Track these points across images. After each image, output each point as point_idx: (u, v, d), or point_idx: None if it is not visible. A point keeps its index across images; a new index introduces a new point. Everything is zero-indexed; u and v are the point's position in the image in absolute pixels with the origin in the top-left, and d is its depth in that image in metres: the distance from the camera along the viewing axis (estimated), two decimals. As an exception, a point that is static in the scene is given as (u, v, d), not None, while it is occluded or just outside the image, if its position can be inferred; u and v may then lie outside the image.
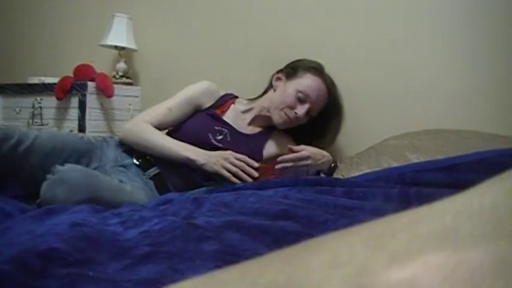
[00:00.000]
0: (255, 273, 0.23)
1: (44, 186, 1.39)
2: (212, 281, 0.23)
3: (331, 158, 1.89)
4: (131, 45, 2.73)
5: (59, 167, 1.44)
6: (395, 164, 1.66)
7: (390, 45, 2.24)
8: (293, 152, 1.82)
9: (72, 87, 2.47)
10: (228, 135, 1.93)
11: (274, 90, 2.04)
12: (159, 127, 1.93)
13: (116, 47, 2.74)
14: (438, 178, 1.36)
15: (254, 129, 2.05)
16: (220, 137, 1.91)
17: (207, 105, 2.02)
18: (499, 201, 0.21)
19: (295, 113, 1.94)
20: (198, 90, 2.03)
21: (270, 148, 2.03)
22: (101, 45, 2.74)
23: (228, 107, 2.05)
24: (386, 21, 2.24)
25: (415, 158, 1.66)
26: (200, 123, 1.95)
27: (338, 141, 2.14)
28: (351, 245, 0.22)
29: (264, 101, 2.05)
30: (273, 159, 1.89)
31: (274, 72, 2.09)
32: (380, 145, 1.87)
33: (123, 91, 2.63)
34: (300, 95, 1.94)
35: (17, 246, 0.76)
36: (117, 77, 2.72)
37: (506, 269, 0.18)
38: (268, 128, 2.06)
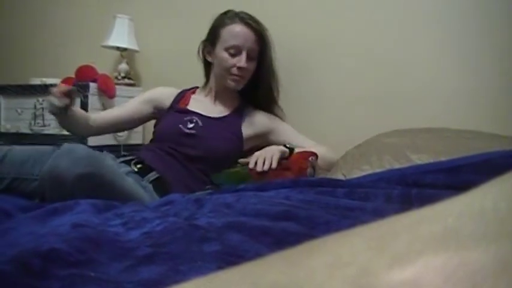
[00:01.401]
0: (256, 274, 0.23)
1: (50, 159, 1.43)
2: (213, 282, 0.23)
3: (279, 147, 1.88)
4: (133, 46, 2.73)
5: (65, 144, 1.47)
6: (397, 165, 1.66)
7: (391, 45, 2.23)
8: (243, 164, 1.86)
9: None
10: (198, 122, 1.95)
11: (212, 64, 2.06)
12: (113, 121, 2.04)
13: (117, 48, 2.74)
14: (439, 179, 1.36)
15: (224, 111, 2.06)
16: (191, 125, 1.93)
17: (167, 103, 2.07)
18: (501, 202, 0.21)
19: (239, 67, 1.96)
20: (154, 91, 2.13)
21: (247, 128, 2.04)
22: (103, 46, 2.74)
23: (189, 99, 2.09)
24: (387, 21, 2.24)
25: (417, 159, 1.66)
26: (169, 120, 1.98)
27: (338, 141, 2.13)
28: (353, 246, 0.22)
29: (213, 78, 2.07)
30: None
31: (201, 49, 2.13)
32: (382, 143, 1.86)
33: (124, 92, 2.63)
34: (230, 51, 1.96)
35: (19, 247, 0.76)
36: (119, 78, 2.72)
37: (507, 269, 0.18)
38: (237, 109, 2.07)
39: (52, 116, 2.37)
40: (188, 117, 1.96)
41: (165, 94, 2.11)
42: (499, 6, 2.05)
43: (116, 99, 2.53)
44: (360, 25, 2.29)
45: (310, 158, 1.84)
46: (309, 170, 1.82)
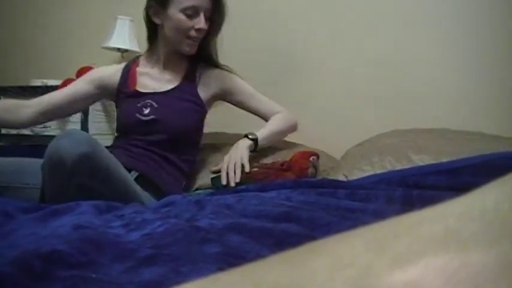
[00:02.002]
0: (257, 275, 0.23)
1: (51, 142, 1.43)
2: (214, 283, 0.23)
3: (244, 143, 1.84)
4: (134, 48, 2.74)
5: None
6: (398, 166, 1.66)
7: (393, 46, 2.24)
8: (215, 171, 1.84)
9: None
10: (153, 104, 1.84)
11: (158, 26, 1.90)
12: (56, 103, 1.93)
13: (118, 50, 2.74)
14: (441, 181, 1.36)
15: (175, 80, 1.93)
16: (147, 110, 1.84)
17: (113, 83, 1.97)
18: (502, 203, 0.21)
19: (197, 29, 1.83)
20: (97, 71, 2.01)
21: (204, 91, 1.95)
22: (104, 48, 2.74)
23: (136, 76, 1.96)
24: (389, 21, 2.24)
25: (418, 160, 1.66)
26: (125, 111, 1.90)
27: (339, 141, 2.13)
28: (354, 247, 0.22)
29: (162, 43, 1.92)
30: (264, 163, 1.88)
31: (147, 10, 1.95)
32: (383, 144, 1.86)
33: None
34: (187, 12, 1.81)
35: (19, 248, 0.76)
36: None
37: (508, 270, 0.18)
38: (188, 74, 1.94)
39: None
40: (142, 103, 1.85)
41: (108, 72, 1.99)
42: (500, 7, 2.05)
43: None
44: (361, 25, 2.29)
45: (311, 158, 1.84)
46: (310, 170, 1.81)
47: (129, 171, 1.73)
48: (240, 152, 1.80)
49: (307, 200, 1.24)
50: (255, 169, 1.82)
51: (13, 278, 0.65)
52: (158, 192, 1.78)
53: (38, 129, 2.61)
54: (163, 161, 1.82)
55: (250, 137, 1.87)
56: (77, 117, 2.48)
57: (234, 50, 2.57)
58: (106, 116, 2.54)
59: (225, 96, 2.00)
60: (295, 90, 2.39)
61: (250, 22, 2.52)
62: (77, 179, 1.41)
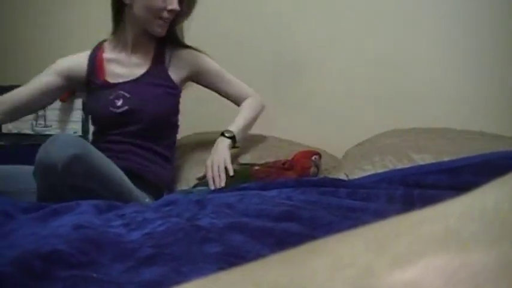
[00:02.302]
0: (257, 274, 0.23)
1: (40, 149, 1.41)
2: (215, 283, 0.23)
3: (224, 143, 1.82)
4: (134, 47, 2.73)
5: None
6: (399, 165, 1.66)
7: (393, 46, 2.23)
8: (201, 178, 1.83)
9: (76, 89, 2.47)
10: (125, 94, 1.78)
11: (127, 5, 1.80)
12: (23, 100, 1.84)
13: (119, 49, 2.74)
14: (441, 180, 1.36)
15: (144, 64, 1.85)
16: (120, 102, 1.77)
17: (81, 73, 1.88)
18: (502, 203, 0.21)
19: (170, 10, 1.75)
20: (62, 62, 1.91)
21: (176, 73, 1.88)
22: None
23: (103, 64, 1.87)
24: (389, 21, 2.24)
25: (419, 159, 1.66)
26: (97, 105, 1.83)
27: (339, 141, 2.13)
28: (354, 247, 0.22)
29: (131, 24, 1.83)
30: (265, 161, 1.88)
31: None
32: (384, 143, 1.86)
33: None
34: None
35: (19, 248, 0.76)
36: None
37: (509, 270, 0.18)
38: (157, 55, 1.86)
39: (54, 117, 2.37)
40: (114, 94, 1.78)
41: (74, 61, 1.90)
42: (500, 7, 2.05)
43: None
44: (361, 25, 2.29)
45: (313, 158, 1.84)
46: (312, 169, 1.81)
47: None
48: (221, 155, 1.78)
49: (308, 199, 1.24)
50: (257, 167, 1.82)
51: (13, 278, 0.65)
52: (149, 185, 1.76)
53: (39, 129, 2.61)
54: (146, 152, 1.79)
55: (227, 135, 1.85)
56: (77, 117, 2.48)
57: (235, 50, 2.57)
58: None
59: (196, 77, 1.94)
60: (295, 90, 2.39)
61: (250, 22, 2.52)
62: (70, 181, 1.39)
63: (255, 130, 2.32)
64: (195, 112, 2.58)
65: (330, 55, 2.35)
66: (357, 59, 2.30)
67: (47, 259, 0.72)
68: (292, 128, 2.35)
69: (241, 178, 1.76)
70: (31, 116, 2.64)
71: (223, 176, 1.73)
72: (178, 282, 0.25)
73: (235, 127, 1.89)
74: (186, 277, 0.70)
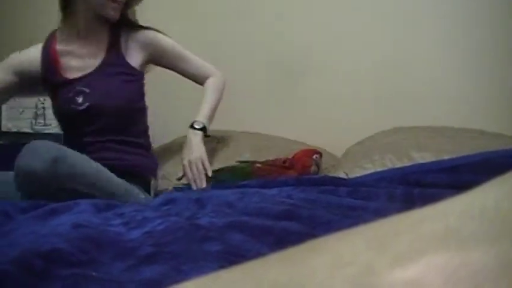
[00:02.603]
0: (258, 273, 0.23)
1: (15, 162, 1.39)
2: (215, 282, 0.23)
3: (196, 137, 1.77)
4: (134, 46, 2.73)
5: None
6: (399, 163, 1.66)
7: (393, 46, 2.23)
8: (180, 178, 1.80)
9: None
10: (85, 89, 1.70)
11: None
12: None
13: (119, 48, 2.74)
14: (442, 179, 1.36)
15: (99, 53, 1.75)
16: (81, 99, 1.69)
17: (34, 69, 1.79)
18: (502, 202, 0.21)
19: None
20: (13, 58, 1.83)
21: (134, 58, 1.79)
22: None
23: (58, 59, 1.77)
24: (389, 21, 2.24)
25: (419, 158, 1.66)
26: (59, 106, 1.78)
27: (339, 141, 2.13)
28: (354, 245, 0.22)
29: (82, 9, 1.73)
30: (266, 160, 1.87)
31: None
32: (384, 142, 1.86)
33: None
34: None
35: (19, 247, 0.76)
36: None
37: (509, 270, 0.18)
38: (112, 42, 1.77)
39: (53, 116, 2.34)
40: (73, 91, 1.69)
41: (27, 56, 1.81)
42: (500, 7, 2.05)
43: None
44: (361, 26, 2.29)
45: (314, 156, 1.84)
46: (313, 168, 1.82)
47: None
48: (197, 152, 1.73)
49: (308, 197, 1.24)
50: (258, 165, 1.82)
51: (13, 276, 0.65)
52: (135, 178, 1.72)
53: (39, 127, 2.61)
54: (120, 145, 1.73)
55: (197, 126, 1.80)
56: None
57: (236, 50, 2.57)
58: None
59: (154, 58, 1.85)
60: (296, 90, 2.39)
61: (256, 24, 2.52)
62: (55, 184, 1.37)
63: (254, 129, 2.33)
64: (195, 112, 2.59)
65: (330, 55, 2.35)
66: (357, 59, 2.29)
67: (47, 258, 0.72)
68: (292, 126, 2.35)
69: (243, 175, 1.77)
70: (30, 115, 2.65)
71: (203, 176, 1.69)
72: (178, 281, 0.25)
73: (203, 116, 1.83)
74: (187, 275, 0.70)
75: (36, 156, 1.37)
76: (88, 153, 1.63)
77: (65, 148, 1.46)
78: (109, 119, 1.70)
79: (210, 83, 1.92)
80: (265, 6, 2.49)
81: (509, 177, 0.23)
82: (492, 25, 2.06)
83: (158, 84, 2.75)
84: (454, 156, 1.53)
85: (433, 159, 1.60)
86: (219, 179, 1.79)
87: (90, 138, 1.71)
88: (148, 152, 1.85)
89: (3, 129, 2.75)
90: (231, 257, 0.79)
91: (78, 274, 0.69)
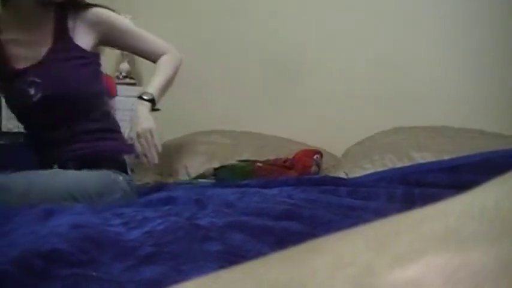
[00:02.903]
0: (258, 273, 0.23)
1: None
2: (215, 282, 0.23)
3: (143, 107, 1.64)
4: (134, 46, 2.73)
5: None
6: (400, 163, 1.66)
7: (393, 46, 2.23)
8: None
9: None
10: (35, 79, 1.58)
11: None
12: None
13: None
14: (442, 179, 1.36)
15: (46, 38, 1.62)
16: (33, 90, 1.57)
17: None
18: (502, 202, 0.21)
19: None
20: None
21: (83, 39, 1.67)
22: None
23: (4, 49, 1.64)
24: (389, 21, 2.24)
25: (420, 157, 1.66)
26: (11, 96, 1.68)
27: (339, 141, 2.13)
28: (355, 245, 0.22)
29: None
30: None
31: None
32: (384, 142, 1.86)
33: (126, 91, 2.63)
34: None
35: (20, 247, 0.76)
36: (120, 77, 2.72)
37: (509, 269, 0.18)
38: (57, 25, 1.63)
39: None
40: (24, 83, 1.58)
41: None
42: (500, 7, 2.05)
43: (116, 98, 2.52)
44: (361, 25, 2.29)
45: (315, 157, 1.84)
46: (313, 168, 1.82)
47: (65, 166, 1.56)
48: (146, 124, 1.59)
49: (309, 197, 1.24)
50: (259, 164, 1.82)
51: (14, 276, 0.65)
52: (110, 163, 1.63)
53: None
54: (86, 133, 1.63)
55: (146, 97, 1.67)
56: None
57: (235, 49, 2.57)
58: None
59: (106, 38, 1.73)
60: (296, 89, 2.39)
61: (250, 22, 2.52)
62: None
63: (254, 129, 2.33)
64: (195, 112, 2.59)
65: (331, 55, 2.35)
66: (357, 58, 2.29)
67: (47, 258, 0.72)
68: (292, 126, 2.35)
69: (244, 174, 1.77)
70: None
71: (153, 150, 1.57)
72: (178, 281, 0.25)
73: (153, 88, 1.71)
74: (187, 276, 0.70)
75: None
76: (52, 147, 1.58)
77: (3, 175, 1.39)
78: (67, 108, 1.60)
79: (163, 58, 1.80)
80: (259, 4, 2.50)
81: (509, 177, 0.23)
82: (492, 25, 2.06)
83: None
84: (454, 156, 1.53)
85: (433, 159, 1.60)
86: (219, 177, 1.79)
87: (50, 131, 1.61)
88: (114, 134, 1.73)
89: (4, 129, 2.74)
90: (231, 257, 0.79)
91: (78, 274, 0.69)
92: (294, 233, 0.92)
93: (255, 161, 1.85)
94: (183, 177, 2.00)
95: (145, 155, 1.57)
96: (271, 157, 1.91)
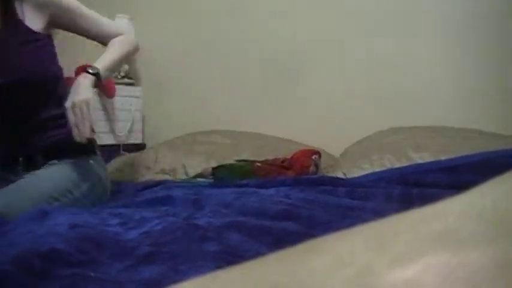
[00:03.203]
0: (256, 273, 0.23)
1: None
2: (213, 282, 0.23)
3: (86, 79, 1.51)
4: (132, 46, 2.73)
5: None
6: (398, 164, 1.66)
7: (393, 46, 2.23)
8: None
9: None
10: None
11: None
12: None
13: (117, 48, 2.73)
14: (440, 179, 1.37)
15: None
16: None
17: None
18: (500, 202, 0.21)
19: None
20: None
21: (34, 20, 1.57)
22: (103, 46, 2.74)
23: None
24: (389, 21, 2.24)
25: (418, 158, 1.66)
26: None
27: (338, 141, 2.13)
28: (353, 245, 0.22)
29: None
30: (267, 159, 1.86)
31: None
32: (383, 142, 1.86)
33: (124, 91, 2.62)
34: None
35: (19, 247, 0.76)
36: (119, 77, 2.72)
37: (507, 269, 0.18)
38: (6, 9, 1.53)
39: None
40: None
41: None
42: (500, 7, 2.05)
43: (115, 98, 2.52)
44: (361, 25, 2.29)
45: (313, 157, 1.84)
46: (312, 168, 1.81)
47: (33, 159, 1.50)
48: (83, 95, 1.46)
49: (307, 197, 1.24)
50: (258, 164, 1.82)
51: (13, 276, 0.65)
52: (77, 148, 1.53)
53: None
54: (53, 120, 1.54)
55: (90, 71, 1.54)
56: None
57: (235, 49, 2.57)
58: (104, 114, 2.53)
59: (55, 19, 1.63)
60: (295, 90, 2.39)
61: (251, 22, 2.52)
62: None
63: (254, 129, 2.33)
64: (195, 112, 2.59)
65: (330, 54, 2.35)
66: (357, 58, 2.29)
67: (47, 258, 0.72)
68: (291, 126, 2.35)
69: (243, 173, 1.77)
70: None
71: (87, 123, 1.43)
72: (176, 281, 0.25)
73: (100, 64, 1.59)
74: (185, 276, 0.70)
75: None
76: (15, 140, 1.50)
77: None
78: (24, 95, 1.50)
79: (117, 38, 1.70)
80: (259, 4, 2.49)
81: (507, 178, 0.23)
82: (492, 25, 2.06)
83: (155, 87, 2.76)
84: (452, 156, 1.53)
85: (432, 159, 1.60)
86: (218, 176, 1.79)
87: (10, 123, 1.51)
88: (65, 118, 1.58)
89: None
90: (229, 257, 0.79)
91: (76, 274, 0.69)
92: (291, 233, 0.92)
93: (253, 161, 1.85)
94: (181, 176, 2.00)
95: (77, 127, 1.43)
96: (270, 157, 1.91)
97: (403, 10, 2.22)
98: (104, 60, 1.62)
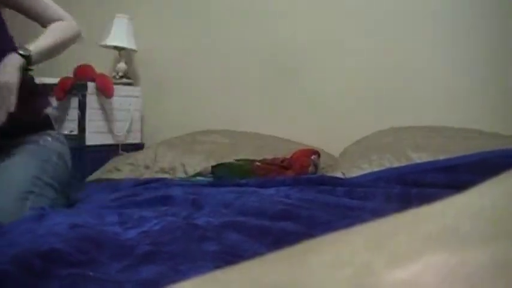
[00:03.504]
0: (256, 273, 0.23)
1: None
2: (213, 281, 0.23)
3: (14, 61, 1.40)
4: (131, 46, 2.73)
5: None
6: (397, 163, 1.66)
7: (393, 46, 2.23)
8: None
9: (72, 88, 2.46)
10: None
11: None
12: None
13: (116, 48, 2.73)
14: (439, 179, 1.36)
15: None
16: None
17: None
18: (499, 202, 0.21)
19: None
20: None
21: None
22: (101, 46, 2.74)
23: None
24: (389, 21, 2.24)
25: (417, 158, 1.66)
26: None
27: (337, 141, 2.13)
28: (352, 245, 0.22)
29: None
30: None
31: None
32: (382, 142, 1.86)
33: (123, 91, 2.62)
34: None
35: (19, 247, 0.76)
36: (117, 77, 2.72)
37: (506, 269, 0.18)
38: None
39: (52, 115, 2.24)
40: None
41: None
42: (500, 7, 2.05)
43: (114, 98, 2.52)
44: (361, 25, 2.29)
45: (312, 157, 1.84)
46: (311, 168, 1.81)
47: None
48: (7, 76, 1.36)
49: (306, 197, 1.24)
50: (258, 163, 1.82)
51: (13, 276, 0.65)
52: (37, 125, 1.48)
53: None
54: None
55: (22, 52, 1.44)
56: (74, 116, 2.47)
57: (234, 49, 2.57)
58: (103, 114, 2.53)
59: (8, 3, 1.57)
60: (295, 90, 2.39)
61: (250, 22, 2.52)
62: None
63: (253, 129, 2.33)
64: (195, 112, 2.59)
65: (329, 54, 2.35)
66: (357, 58, 2.29)
67: (46, 258, 0.72)
68: (290, 126, 2.35)
69: (243, 172, 1.76)
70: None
71: (5, 108, 1.33)
72: (176, 281, 0.25)
73: (34, 46, 1.49)
74: (184, 275, 0.70)
75: None
76: None
77: None
78: None
79: (57, 23, 1.61)
80: (259, 4, 2.49)
81: (505, 178, 0.23)
82: (491, 25, 2.06)
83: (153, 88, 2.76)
84: (451, 156, 1.53)
85: (431, 159, 1.60)
86: (217, 175, 1.79)
87: None
88: (30, 93, 1.53)
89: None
90: (229, 257, 0.79)
91: (76, 274, 0.69)
92: (291, 233, 0.92)
93: (253, 160, 1.85)
94: (180, 175, 2.00)
95: None
96: (269, 157, 1.91)
97: (403, 10, 2.22)
98: (38, 42, 1.52)
